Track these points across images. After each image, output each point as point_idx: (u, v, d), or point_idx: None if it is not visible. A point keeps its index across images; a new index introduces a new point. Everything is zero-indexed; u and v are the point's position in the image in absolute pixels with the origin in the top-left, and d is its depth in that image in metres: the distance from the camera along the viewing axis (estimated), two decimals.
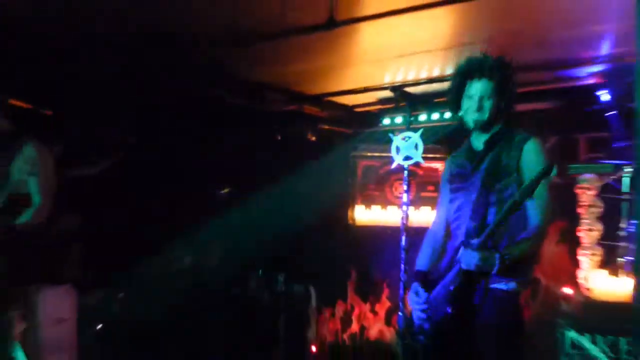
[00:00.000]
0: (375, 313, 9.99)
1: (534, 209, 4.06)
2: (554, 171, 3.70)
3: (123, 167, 8.76)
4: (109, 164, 8.70)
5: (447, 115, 9.01)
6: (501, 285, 3.99)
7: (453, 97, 4.29)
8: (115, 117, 8.44)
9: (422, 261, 4.40)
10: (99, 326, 8.27)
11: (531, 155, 4.18)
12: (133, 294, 8.67)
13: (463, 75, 4.23)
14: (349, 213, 9.96)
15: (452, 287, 3.94)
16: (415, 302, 4.18)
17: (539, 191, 3.74)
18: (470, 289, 3.85)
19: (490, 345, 3.90)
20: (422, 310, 4.16)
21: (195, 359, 8.63)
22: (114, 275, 8.60)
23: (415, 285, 4.22)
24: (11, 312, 5.09)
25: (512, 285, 4.03)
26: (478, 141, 4.31)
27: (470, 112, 4.16)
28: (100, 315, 8.32)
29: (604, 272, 7.71)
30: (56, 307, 7.59)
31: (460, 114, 4.26)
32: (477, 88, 4.09)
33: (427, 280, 4.27)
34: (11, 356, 4.96)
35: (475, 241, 3.76)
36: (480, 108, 4.09)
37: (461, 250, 3.86)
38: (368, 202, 9.91)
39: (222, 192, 10.56)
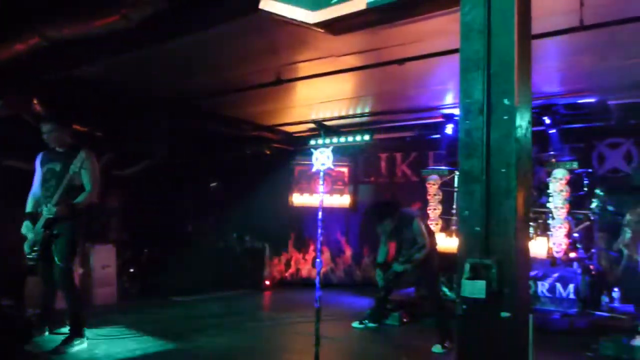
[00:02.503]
0: (305, 260, 9.94)
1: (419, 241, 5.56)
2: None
3: (152, 168, 8.46)
4: (143, 167, 8.41)
5: (350, 139, 9.05)
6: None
7: None
8: (148, 138, 8.18)
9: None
10: (131, 270, 7.99)
11: (413, 229, 5.58)
12: (152, 250, 8.42)
13: None
14: (290, 198, 9.88)
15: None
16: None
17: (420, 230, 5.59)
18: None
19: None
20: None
21: (194, 284, 8.43)
22: (140, 237, 8.36)
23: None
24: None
25: None
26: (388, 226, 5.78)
27: None
28: (131, 263, 8.06)
29: (443, 234, 7.81)
30: (103, 258, 7.34)
31: None
32: None
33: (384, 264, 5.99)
34: (71, 289, 4.71)
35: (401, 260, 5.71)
36: None
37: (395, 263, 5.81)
38: (301, 191, 9.86)
39: (212, 184, 10.39)
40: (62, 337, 4.68)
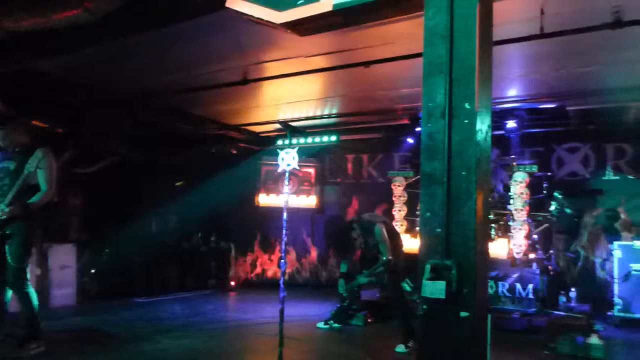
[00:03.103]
0: (271, 260, 9.92)
1: (381, 249, 5.43)
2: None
3: (114, 167, 8.27)
4: (105, 165, 8.22)
5: (317, 140, 9.08)
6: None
7: None
8: (111, 136, 7.99)
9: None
10: (92, 270, 7.80)
11: (375, 235, 5.48)
12: (114, 250, 8.24)
13: None
14: (256, 198, 9.83)
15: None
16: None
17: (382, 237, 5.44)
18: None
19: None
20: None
21: (157, 284, 8.31)
22: (102, 237, 8.16)
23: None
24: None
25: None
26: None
27: None
28: (92, 263, 7.87)
29: (408, 235, 7.89)
30: (62, 258, 7.16)
31: None
32: None
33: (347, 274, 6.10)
34: (25, 291, 4.56)
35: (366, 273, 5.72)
36: None
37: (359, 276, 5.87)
38: (267, 191, 9.82)
39: (177, 183, 10.26)
40: (17, 341, 4.54)
